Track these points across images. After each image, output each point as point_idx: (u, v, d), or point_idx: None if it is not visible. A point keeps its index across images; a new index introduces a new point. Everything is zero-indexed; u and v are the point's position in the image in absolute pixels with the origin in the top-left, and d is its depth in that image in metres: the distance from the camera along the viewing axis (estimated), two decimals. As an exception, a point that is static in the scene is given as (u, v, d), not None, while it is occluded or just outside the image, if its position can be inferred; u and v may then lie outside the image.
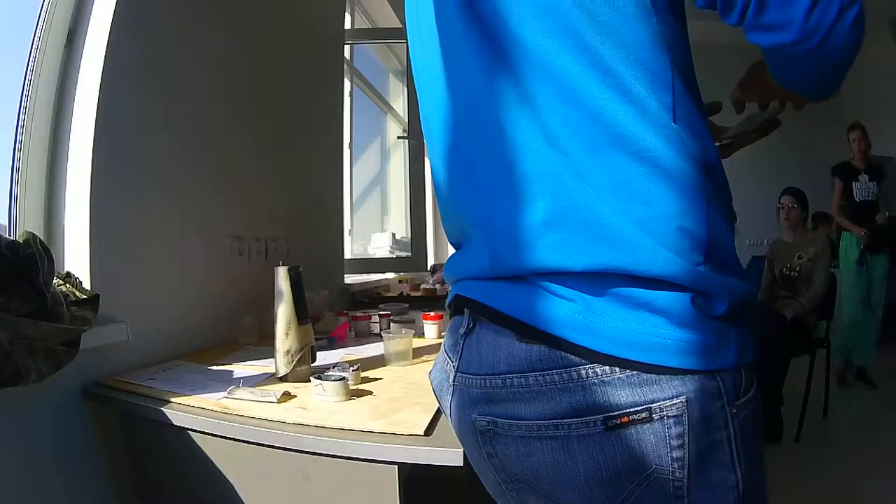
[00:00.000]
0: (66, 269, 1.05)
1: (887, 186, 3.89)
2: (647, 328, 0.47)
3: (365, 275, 2.87)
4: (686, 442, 0.47)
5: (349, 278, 2.61)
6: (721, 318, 0.49)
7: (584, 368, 0.48)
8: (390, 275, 3.14)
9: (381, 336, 1.23)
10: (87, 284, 1.04)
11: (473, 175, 0.57)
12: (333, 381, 0.92)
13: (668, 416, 0.46)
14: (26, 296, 0.80)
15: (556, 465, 0.50)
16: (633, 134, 0.48)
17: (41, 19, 1.08)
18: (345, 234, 2.53)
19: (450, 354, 0.60)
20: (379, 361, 1.20)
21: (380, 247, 3.18)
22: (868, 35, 0.47)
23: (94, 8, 1.12)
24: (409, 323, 1.59)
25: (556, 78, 0.49)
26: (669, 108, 0.49)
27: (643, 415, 0.47)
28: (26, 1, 1.09)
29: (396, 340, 1.19)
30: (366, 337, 1.55)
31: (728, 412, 0.48)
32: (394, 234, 3.23)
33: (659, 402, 0.47)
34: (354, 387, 0.98)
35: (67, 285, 0.98)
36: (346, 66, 2.71)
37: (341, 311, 1.78)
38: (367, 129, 3.76)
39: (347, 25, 2.86)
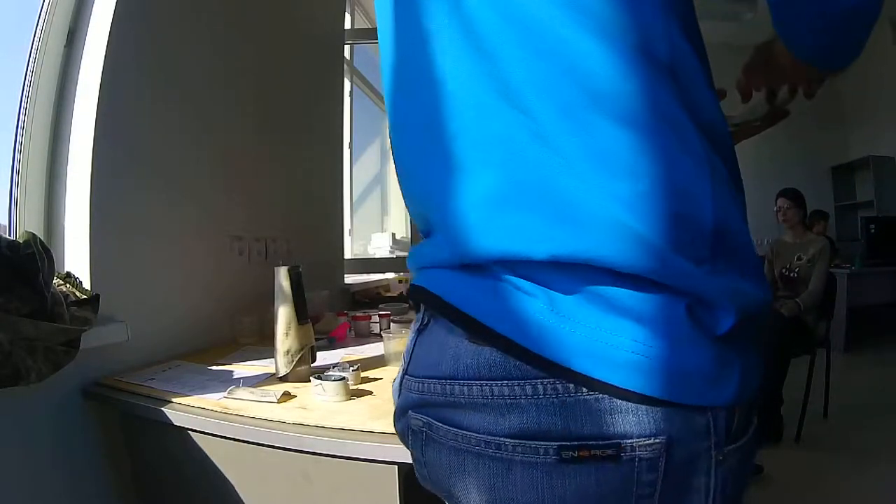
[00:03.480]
0: (66, 269, 1.05)
1: None
2: (625, 341, 0.38)
3: (365, 275, 2.87)
4: (658, 490, 0.38)
5: (349, 278, 2.61)
6: (724, 338, 0.39)
7: (541, 383, 0.39)
8: (390, 275, 3.14)
9: (381, 336, 1.23)
10: (87, 284, 1.04)
11: (426, 144, 0.47)
12: (333, 381, 0.92)
13: (641, 459, 0.38)
14: (26, 296, 0.80)
15: (491, 490, 0.41)
16: (617, 90, 0.38)
17: (41, 19, 1.08)
18: (345, 234, 2.53)
19: (404, 355, 0.53)
20: (379, 361, 1.20)
21: (380, 247, 3.18)
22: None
23: (94, 8, 1.12)
24: (409, 323, 1.58)
25: (520, 22, 0.40)
26: (664, 59, 0.40)
27: (609, 452, 0.38)
28: (26, 1, 1.09)
29: (396, 340, 1.19)
30: (366, 337, 1.54)
31: (713, 458, 0.39)
32: (394, 234, 3.23)
33: (632, 438, 0.37)
34: (354, 387, 0.98)
35: (67, 285, 0.98)
36: (346, 66, 2.71)
37: (341, 311, 1.78)
38: (367, 129, 3.76)
39: (347, 25, 2.85)
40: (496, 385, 0.40)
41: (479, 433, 0.41)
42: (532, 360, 0.39)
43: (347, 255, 2.67)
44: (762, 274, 0.44)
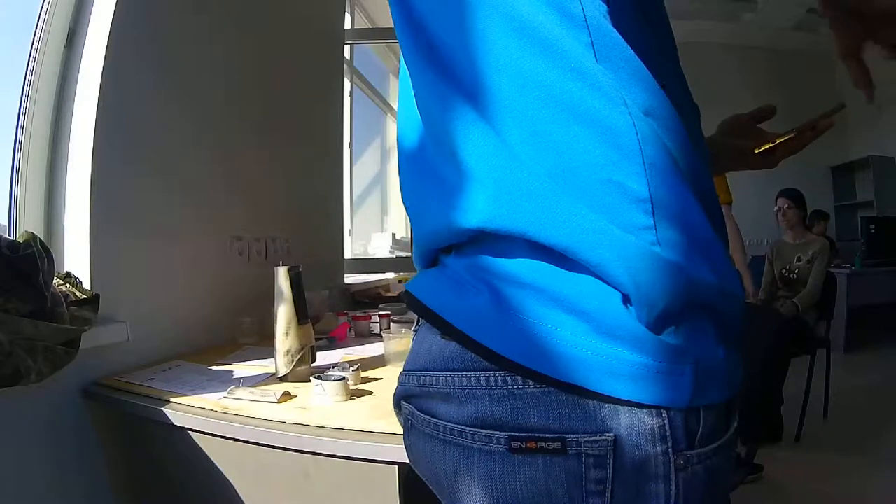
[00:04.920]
0: (66, 269, 1.05)
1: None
2: (565, 335, 0.38)
3: (365, 275, 2.87)
4: (609, 489, 0.38)
5: (349, 278, 2.61)
6: (667, 328, 0.38)
7: (493, 375, 0.40)
8: (390, 275, 3.14)
9: (381, 336, 1.23)
10: (87, 284, 1.04)
11: (404, 150, 0.53)
12: (333, 381, 0.92)
13: (588, 455, 0.37)
14: (26, 296, 0.80)
15: (455, 475, 0.43)
16: (545, 79, 0.39)
17: (41, 19, 1.08)
18: (345, 234, 2.53)
19: None
20: (379, 361, 1.20)
21: (380, 247, 3.18)
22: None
23: (94, 8, 1.12)
24: (409, 323, 1.58)
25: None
26: (588, 45, 0.39)
27: (555, 445, 0.38)
28: (26, 1, 1.09)
29: (396, 340, 1.19)
30: (366, 337, 1.54)
31: (672, 462, 0.37)
32: (394, 234, 3.23)
33: (577, 434, 0.37)
34: (354, 387, 0.98)
35: (67, 285, 0.98)
36: (346, 66, 2.71)
37: (341, 311, 1.78)
38: (367, 129, 3.76)
39: (347, 25, 2.85)
40: (457, 376, 0.43)
41: (445, 421, 0.44)
42: (484, 353, 0.41)
43: (347, 255, 2.67)
44: (720, 258, 0.41)
